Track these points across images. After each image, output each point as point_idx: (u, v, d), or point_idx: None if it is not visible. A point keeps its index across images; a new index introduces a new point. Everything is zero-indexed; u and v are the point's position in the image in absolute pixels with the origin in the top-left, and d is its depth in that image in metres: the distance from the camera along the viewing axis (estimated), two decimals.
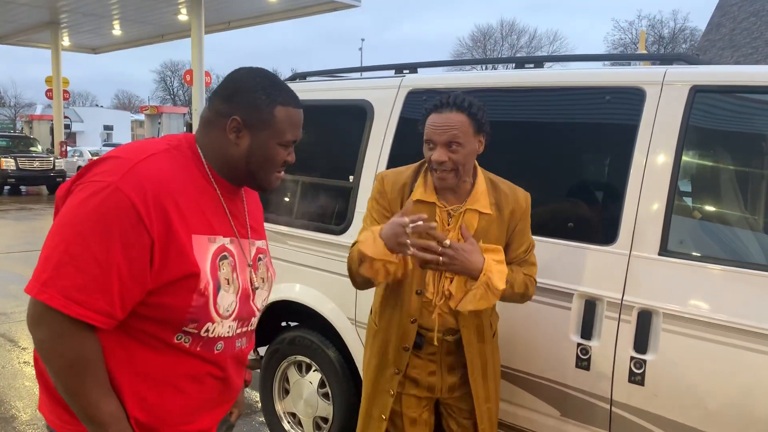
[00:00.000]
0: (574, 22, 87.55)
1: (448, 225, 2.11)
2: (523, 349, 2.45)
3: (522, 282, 2.12)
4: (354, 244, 2.14)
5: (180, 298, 1.35)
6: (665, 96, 2.25)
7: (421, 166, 2.21)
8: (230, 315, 1.45)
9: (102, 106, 69.94)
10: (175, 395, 1.42)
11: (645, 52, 11.11)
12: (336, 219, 3.12)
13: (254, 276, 1.56)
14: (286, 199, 3.43)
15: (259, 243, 1.62)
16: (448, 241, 2.01)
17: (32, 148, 20.55)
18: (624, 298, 2.22)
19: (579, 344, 2.31)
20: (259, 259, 1.60)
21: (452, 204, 2.12)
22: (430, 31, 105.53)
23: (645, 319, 2.17)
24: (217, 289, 1.41)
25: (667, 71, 2.28)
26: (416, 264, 2.09)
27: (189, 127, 16.99)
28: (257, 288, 1.56)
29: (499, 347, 2.32)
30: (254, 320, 1.58)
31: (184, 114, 18.00)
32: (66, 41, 22.15)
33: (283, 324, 3.64)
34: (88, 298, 1.25)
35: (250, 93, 1.44)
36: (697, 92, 2.20)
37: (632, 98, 2.32)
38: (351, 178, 3.06)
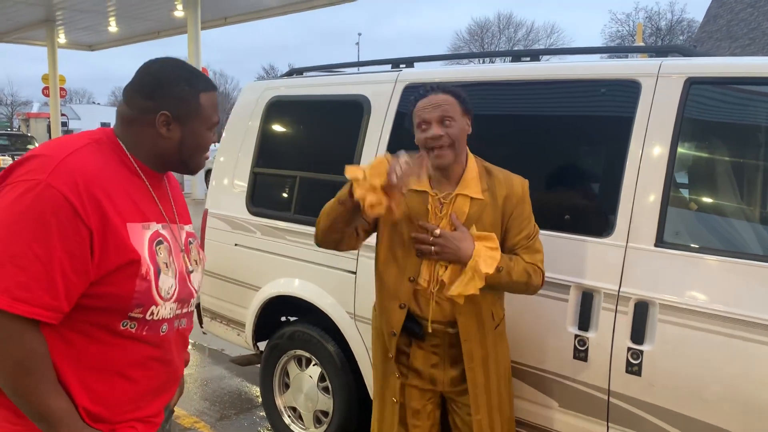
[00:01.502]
0: (570, 14, 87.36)
1: (441, 212, 2.13)
2: (521, 341, 2.47)
3: (522, 270, 2.09)
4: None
5: (124, 285, 1.38)
6: (660, 88, 2.26)
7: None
8: (171, 297, 1.49)
9: (99, 104, 69.87)
10: (123, 383, 1.45)
11: (642, 44, 11.10)
12: None
13: (187, 259, 1.60)
14: (284, 195, 3.44)
15: (187, 227, 1.67)
16: (438, 230, 2.05)
17: (29, 146, 20.54)
18: (621, 290, 2.23)
19: (576, 336, 2.32)
20: (190, 242, 1.64)
21: (445, 191, 2.14)
22: (427, 25, 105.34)
23: (642, 310, 2.18)
24: (158, 272, 1.44)
25: (662, 63, 2.29)
26: (412, 252, 2.12)
27: None
28: (192, 271, 1.60)
29: (507, 342, 2.31)
30: (193, 301, 1.63)
31: None
32: (62, 38, 22.07)
33: (283, 319, 3.66)
34: (32, 295, 1.27)
35: (173, 86, 1.46)
36: (692, 84, 2.21)
37: (628, 90, 2.33)
38: None
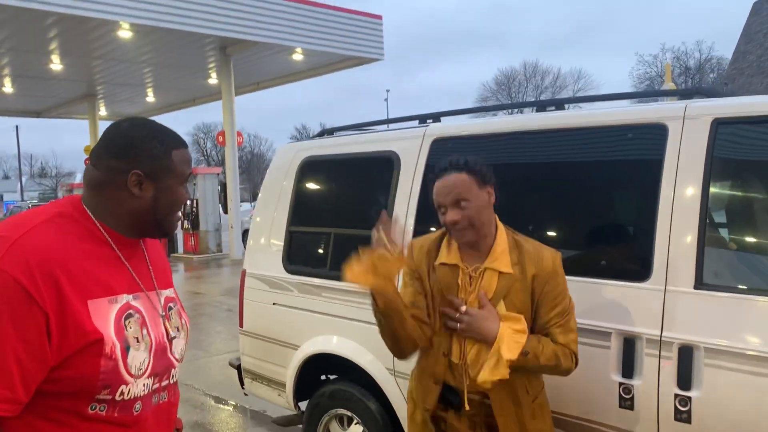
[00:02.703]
0: (596, 59, 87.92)
1: (470, 287, 2.11)
2: (564, 391, 2.42)
3: (551, 353, 2.02)
4: None
5: (87, 366, 1.30)
6: (688, 130, 2.26)
7: (445, 231, 2.24)
8: (144, 373, 1.41)
9: None
10: None
11: (672, 84, 11.09)
12: None
13: (168, 326, 1.53)
14: (319, 252, 3.49)
15: (167, 292, 1.59)
16: (464, 307, 2.05)
17: None
18: (663, 335, 2.19)
19: (621, 384, 2.27)
20: (170, 308, 1.57)
21: (474, 264, 2.12)
22: (453, 78, 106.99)
23: (686, 355, 2.13)
24: (126, 349, 1.36)
25: (687, 106, 2.30)
26: (442, 328, 2.13)
27: (223, 186, 17.36)
28: (174, 338, 1.53)
29: (549, 412, 2.24)
30: (174, 372, 1.54)
31: (218, 174, 18.37)
32: (102, 111, 23.01)
33: (323, 377, 3.65)
34: None
35: (144, 145, 1.42)
36: (720, 124, 2.21)
37: (655, 134, 2.34)
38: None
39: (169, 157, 1.45)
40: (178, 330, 1.56)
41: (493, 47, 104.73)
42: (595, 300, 2.35)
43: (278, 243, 3.64)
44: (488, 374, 1.99)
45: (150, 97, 20.91)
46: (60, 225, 1.37)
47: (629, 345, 2.26)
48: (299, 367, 3.41)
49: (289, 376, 3.48)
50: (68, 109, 22.56)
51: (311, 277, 3.41)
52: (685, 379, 2.13)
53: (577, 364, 2.10)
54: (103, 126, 22.34)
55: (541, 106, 2.88)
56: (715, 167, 2.21)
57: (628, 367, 2.26)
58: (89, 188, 1.45)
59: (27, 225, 1.32)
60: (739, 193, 2.36)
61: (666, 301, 2.20)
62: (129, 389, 1.38)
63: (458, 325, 2.05)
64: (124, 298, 1.41)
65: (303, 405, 3.57)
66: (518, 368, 2.02)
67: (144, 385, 1.42)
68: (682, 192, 2.23)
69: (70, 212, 1.41)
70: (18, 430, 1.29)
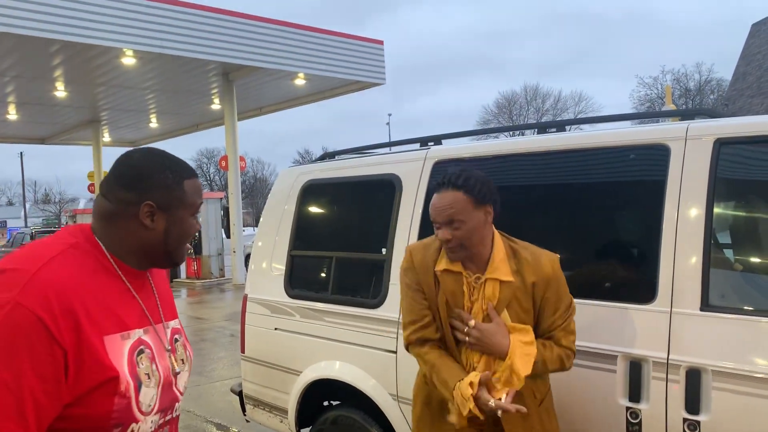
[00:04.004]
0: (596, 81, 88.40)
1: (473, 296, 2.11)
2: (572, 416, 2.38)
3: (556, 357, 2.09)
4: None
5: (101, 405, 1.27)
6: (690, 150, 2.25)
7: None
8: (152, 409, 1.38)
9: None
10: None
11: (672, 106, 11.14)
12: (371, 292, 3.13)
13: (174, 360, 1.50)
14: (321, 276, 3.47)
15: (173, 323, 1.56)
16: (472, 322, 2.05)
17: None
18: (670, 357, 2.16)
19: (628, 408, 2.24)
20: (176, 339, 1.54)
21: (475, 274, 2.13)
22: (454, 101, 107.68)
23: (694, 378, 2.10)
24: (138, 386, 1.34)
25: (689, 126, 2.29)
26: (450, 337, 2.12)
27: (226, 211, 17.37)
28: (178, 372, 1.50)
29: (556, 416, 2.26)
30: (178, 406, 1.52)
31: (221, 198, 18.41)
32: (106, 137, 23.14)
33: (326, 403, 3.60)
34: (0, 428, 1.16)
35: (156, 175, 1.41)
36: (722, 144, 2.20)
37: (657, 155, 2.33)
38: (384, 251, 3.09)
39: (181, 188, 1.43)
40: (183, 362, 1.53)
41: (491, 72, 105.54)
42: (601, 323, 2.32)
43: (280, 267, 3.62)
44: (501, 387, 2.00)
45: (153, 123, 21.04)
46: (75, 257, 1.34)
47: (636, 368, 2.23)
48: (301, 393, 3.37)
49: (291, 402, 3.44)
50: (72, 135, 22.70)
51: (313, 301, 3.38)
52: (693, 403, 2.09)
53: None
54: (106, 152, 22.54)
55: (542, 128, 2.88)
56: (719, 187, 2.19)
57: (635, 391, 2.22)
58: (100, 219, 1.43)
59: (43, 257, 1.29)
60: (743, 214, 2.34)
61: (672, 323, 2.17)
62: (139, 427, 1.36)
63: (467, 338, 2.05)
64: (136, 334, 1.39)
65: None
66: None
67: (152, 422, 1.40)
68: (685, 212, 2.21)
69: (82, 243, 1.39)
70: None
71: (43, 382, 1.20)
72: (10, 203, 71.59)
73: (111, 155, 22.14)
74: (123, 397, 1.30)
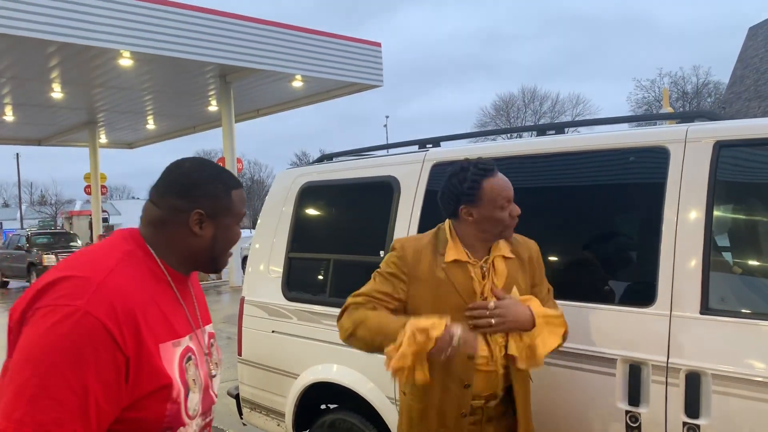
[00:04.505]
0: (593, 84, 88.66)
1: (483, 279, 2.14)
2: (570, 420, 2.37)
3: (564, 322, 2.17)
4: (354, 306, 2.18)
5: (154, 410, 1.34)
6: (690, 153, 2.25)
7: (436, 233, 2.25)
8: (197, 413, 1.45)
9: (139, 198, 72.08)
10: None
11: (670, 108, 11.15)
12: None
13: (210, 363, 1.56)
14: (319, 278, 3.45)
15: (209, 328, 1.62)
16: (491, 303, 2.06)
17: (72, 243, 21.11)
18: (669, 361, 2.15)
19: (627, 411, 2.22)
20: (212, 344, 1.61)
21: (481, 258, 2.18)
22: (450, 104, 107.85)
23: (694, 382, 2.09)
24: (187, 392, 1.40)
25: (689, 129, 2.29)
26: (468, 327, 2.06)
27: None
28: (214, 375, 1.57)
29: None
30: (213, 408, 1.57)
31: None
32: (103, 138, 23.09)
33: (323, 407, 3.59)
34: (65, 431, 1.21)
35: (207, 185, 1.47)
36: (722, 147, 2.19)
37: (656, 157, 2.32)
38: (382, 253, 3.08)
39: (229, 197, 1.50)
40: (216, 366, 1.60)
41: (487, 74, 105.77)
42: (600, 326, 2.31)
43: (277, 269, 3.61)
44: (550, 343, 2.07)
45: (150, 125, 21.00)
46: (133, 266, 1.40)
47: (635, 372, 2.22)
48: (299, 396, 3.35)
49: (288, 406, 3.42)
50: (69, 136, 22.65)
51: (311, 304, 3.37)
52: (693, 407, 2.08)
53: None
54: (103, 154, 22.52)
55: (541, 131, 2.87)
56: (718, 190, 2.19)
57: (634, 395, 2.21)
58: (150, 225, 1.48)
59: (106, 265, 1.35)
60: (743, 216, 2.33)
61: (672, 326, 2.16)
62: (185, 431, 1.42)
63: (492, 320, 2.05)
64: (185, 341, 1.45)
65: None
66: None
67: (196, 425, 1.46)
68: (685, 215, 2.21)
69: (135, 250, 1.44)
70: None
71: (105, 387, 1.25)
72: (5, 205, 71.45)
73: (107, 157, 22.11)
74: (174, 403, 1.36)
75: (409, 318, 1.98)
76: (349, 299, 2.22)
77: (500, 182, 2.13)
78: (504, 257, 2.17)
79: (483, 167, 2.14)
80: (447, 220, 2.25)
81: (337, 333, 3.15)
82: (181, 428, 1.40)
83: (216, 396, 1.58)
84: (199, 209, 1.46)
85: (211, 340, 1.62)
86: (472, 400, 2.12)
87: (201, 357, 1.51)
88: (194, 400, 1.43)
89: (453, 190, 2.16)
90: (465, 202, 2.13)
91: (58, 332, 1.23)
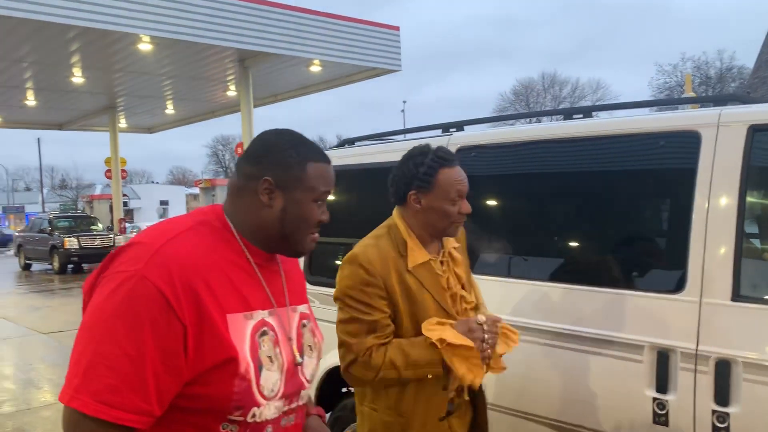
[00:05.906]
0: (614, 69, 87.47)
1: (444, 272, 2.11)
2: (597, 407, 2.35)
3: None
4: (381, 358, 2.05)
5: (221, 385, 1.26)
6: (722, 137, 2.20)
7: (389, 233, 2.15)
8: (276, 394, 1.35)
9: (158, 183, 72.75)
10: None
11: (692, 93, 10.95)
12: None
13: (297, 347, 1.46)
14: (338, 263, 3.44)
15: (301, 308, 1.53)
16: (482, 317, 1.99)
17: (93, 227, 21.39)
18: (699, 348, 2.12)
19: (655, 399, 2.20)
20: (303, 325, 1.50)
21: (435, 252, 2.14)
22: (465, 90, 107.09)
23: (724, 370, 2.06)
24: (259, 369, 1.31)
25: (721, 112, 2.24)
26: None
27: None
28: (300, 362, 1.45)
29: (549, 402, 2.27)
30: (304, 393, 1.48)
31: None
32: (123, 123, 23.23)
33: (344, 390, 3.60)
34: (123, 399, 1.16)
35: (280, 152, 1.39)
36: (756, 131, 2.15)
37: (688, 142, 2.28)
38: None
39: (302, 168, 1.40)
40: (310, 349, 1.50)
41: (504, 59, 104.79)
42: (628, 312, 2.29)
43: None
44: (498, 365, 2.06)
45: (170, 110, 21.09)
46: (202, 234, 1.35)
47: (663, 359, 2.19)
48: (321, 380, 3.37)
49: (310, 389, 3.43)
50: (89, 121, 22.81)
51: (332, 288, 3.36)
52: (722, 395, 2.06)
53: None
54: (123, 138, 22.66)
55: (568, 114, 2.83)
56: (752, 175, 2.14)
57: (662, 382, 2.19)
58: (229, 194, 1.44)
59: (170, 233, 1.31)
60: None
61: (702, 313, 2.13)
62: (261, 411, 1.32)
63: (485, 337, 1.96)
64: (260, 314, 1.36)
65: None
66: None
67: (275, 408, 1.36)
68: (716, 201, 2.16)
69: (211, 220, 1.39)
70: None
71: (163, 356, 1.20)
72: (27, 189, 72.40)
73: (127, 141, 22.18)
74: (243, 379, 1.27)
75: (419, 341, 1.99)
76: (371, 343, 2.08)
77: (457, 175, 2.04)
78: (454, 247, 2.18)
79: (443, 155, 2.06)
80: (395, 216, 2.16)
81: None
82: (255, 408, 1.31)
83: (309, 381, 1.48)
84: (267, 177, 1.38)
85: (304, 321, 1.52)
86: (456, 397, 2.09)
87: (284, 338, 1.41)
88: (271, 378, 1.33)
89: (407, 173, 2.09)
90: (416, 188, 2.06)
91: (115, 298, 1.20)
